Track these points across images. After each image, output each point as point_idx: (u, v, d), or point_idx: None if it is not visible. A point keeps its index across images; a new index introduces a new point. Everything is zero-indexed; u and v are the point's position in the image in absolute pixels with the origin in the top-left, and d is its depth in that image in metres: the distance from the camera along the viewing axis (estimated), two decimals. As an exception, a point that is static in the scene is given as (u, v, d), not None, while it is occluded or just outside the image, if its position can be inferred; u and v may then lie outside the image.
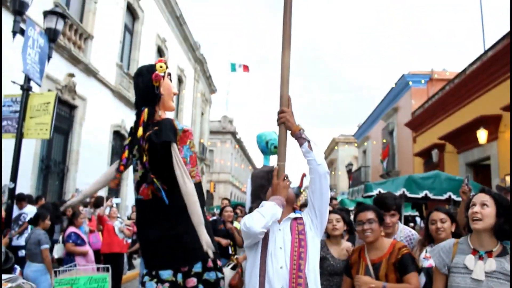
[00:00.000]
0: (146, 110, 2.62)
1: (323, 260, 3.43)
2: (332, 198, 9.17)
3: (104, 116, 12.65)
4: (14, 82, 6.05)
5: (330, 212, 3.87)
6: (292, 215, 2.47)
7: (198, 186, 2.57)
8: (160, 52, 18.09)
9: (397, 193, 7.58)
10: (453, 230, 3.02)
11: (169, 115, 2.87)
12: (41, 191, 9.54)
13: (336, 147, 38.34)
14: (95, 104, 11.87)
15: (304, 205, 2.94)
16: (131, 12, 14.89)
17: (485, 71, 11.28)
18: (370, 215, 2.80)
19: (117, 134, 13.75)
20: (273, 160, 2.86)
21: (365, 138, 26.77)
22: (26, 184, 8.61)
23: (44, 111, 6.18)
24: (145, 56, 15.64)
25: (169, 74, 2.75)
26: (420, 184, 7.84)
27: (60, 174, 10.67)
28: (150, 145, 2.51)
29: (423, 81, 17.34)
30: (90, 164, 11.48)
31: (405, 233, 3.37)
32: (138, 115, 2.66)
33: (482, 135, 10.73)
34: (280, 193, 2.41)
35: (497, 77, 10.75)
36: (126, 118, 14.00)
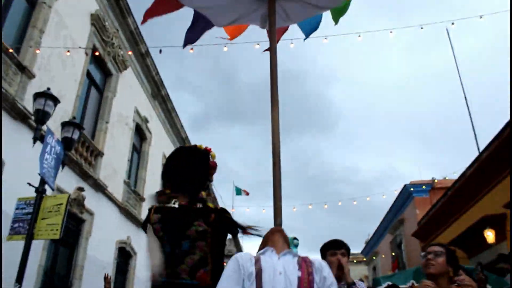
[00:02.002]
0: None
1: None
2: None
3: (110, 232, 12.65)
4: (30, 184, 6.32)
5: None
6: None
7: None
8: (166, 172, 18.61)
9: (407, 285, 7.37)
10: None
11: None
12: (42, 307, 9.22)
13: (345, 267, 37.11)
14: (102, 219, 11.97)
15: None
16: (139, 133, 15.75)
17: (483, 173, 11.58)
18: (438, 248, 2.83)
19: (122, 251, 13.59)
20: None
21: (373, 254, 26.17)
22: (28, 297, 8.39)
23: (56, 212, 6.37)
24: (152, 175, 16.13)
25: None
26: (430, 276, 7.64)
27: (63, 289, 10.38)
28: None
29: (424, 188, 17.59)
30: (94, 280, 11.17)
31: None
32: None
33: (489, 234, 10.64)
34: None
35: (495, 176, 11.00)
36: (132, 235, 13.97)
